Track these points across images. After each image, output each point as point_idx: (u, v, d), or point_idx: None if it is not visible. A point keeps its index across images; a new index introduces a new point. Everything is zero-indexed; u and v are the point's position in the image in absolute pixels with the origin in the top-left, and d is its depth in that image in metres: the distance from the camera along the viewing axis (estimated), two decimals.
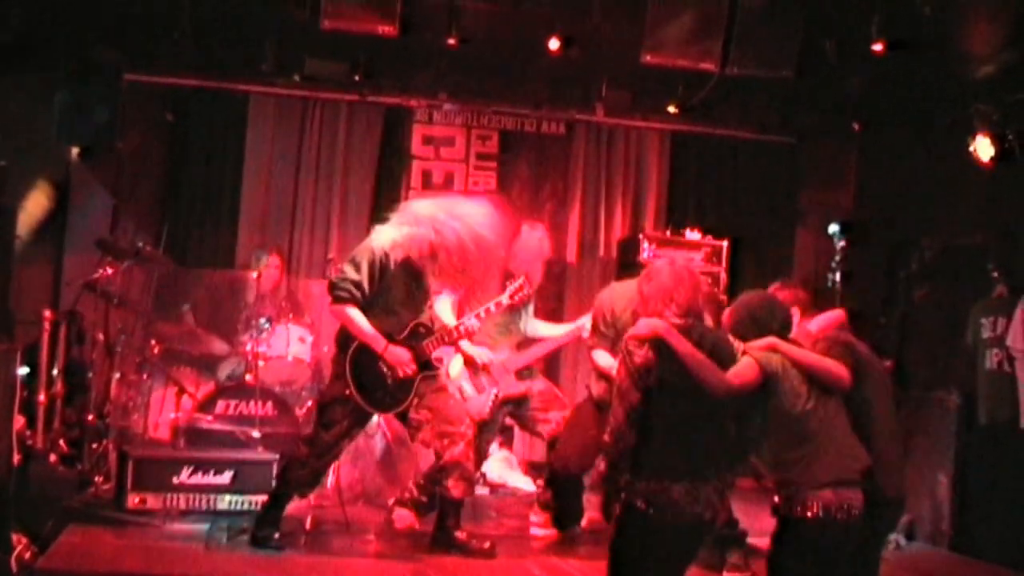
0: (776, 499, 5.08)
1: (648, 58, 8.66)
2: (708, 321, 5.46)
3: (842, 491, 4.95)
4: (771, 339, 5.10)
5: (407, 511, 7.35)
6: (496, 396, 7.50)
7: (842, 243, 8.41)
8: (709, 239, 9.82)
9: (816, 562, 5.06)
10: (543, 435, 7.70)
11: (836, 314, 5.76)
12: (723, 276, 9.67)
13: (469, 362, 7.40)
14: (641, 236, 9.73)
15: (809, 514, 4.92)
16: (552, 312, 10.39)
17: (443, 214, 6.56)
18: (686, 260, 5.49)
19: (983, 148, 8.20)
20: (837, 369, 5.11)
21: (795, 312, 5.48)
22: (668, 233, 9.90)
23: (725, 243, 9.81)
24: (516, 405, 7.64)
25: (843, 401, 5.15)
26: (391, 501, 7.56)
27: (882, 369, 5.54)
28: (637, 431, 4.85)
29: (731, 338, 5.18)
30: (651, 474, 4.85)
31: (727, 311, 5.34)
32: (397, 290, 6.59)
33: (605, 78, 9.81)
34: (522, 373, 7.67)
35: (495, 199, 7.31)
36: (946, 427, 7.94)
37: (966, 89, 8.38)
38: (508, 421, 7.99)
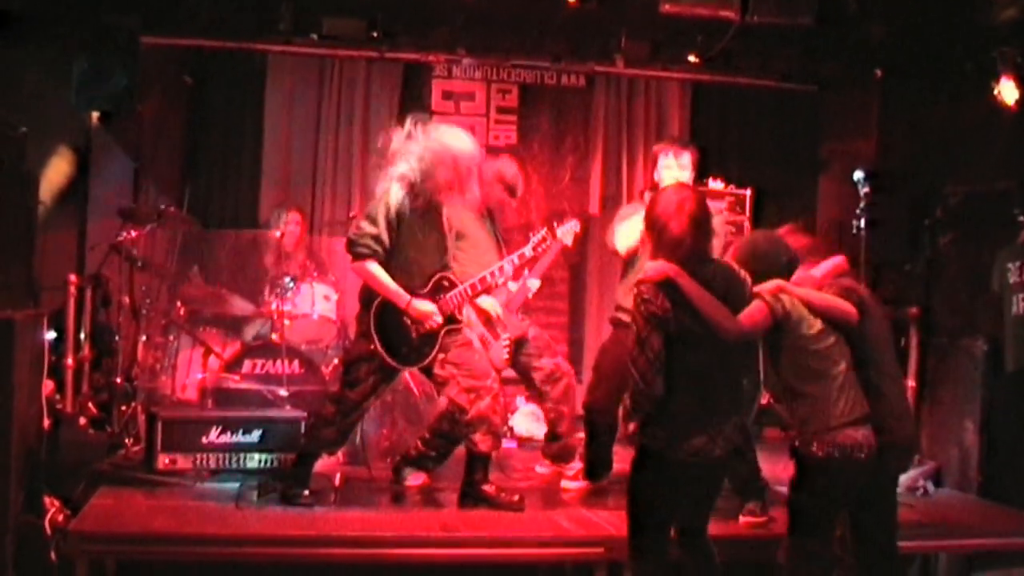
0: (793, 440, 5.19)
1: (667, 8, 8.60)
2: (717, 250, 5.43)
3: (856, 430, 5.09)
4: (778, 281, 5.16)
5: (417, 470, 7.36)
6: (509, 340, 7.52)
7: (866, 190, 8.36)
8: (732, 188, 9.78)
9: (833, 501, 5.15)
10: (535, 382, 7.70)
11: (838, 260, 5.82)
12: (747, 225, 9.63)
13: (482, 314, 7.39)
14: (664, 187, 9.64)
15: (823, 454, 5.04)
16: (576, 266, 10.42)
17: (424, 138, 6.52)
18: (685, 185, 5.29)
19: (1008, 91, 8.13)
20: (844, 305, 5.27)
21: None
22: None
23: (748, 192, 9.77)
24: (518, 346, 7.64)
25: (847, 344, 5.25)
26: (395, 459, 7.53)
27: (883, 314, 5.63)
28: (663, 378, 4.85)
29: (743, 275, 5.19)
30: (671, 422, 4.87)
31: (731, 249, 5.38)
32: (416, 242, 6.58)
33: (624, 29, 9.75)
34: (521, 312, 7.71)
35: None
36: (973, 374, 7.89)
37: (989, 33, 8.29)
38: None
